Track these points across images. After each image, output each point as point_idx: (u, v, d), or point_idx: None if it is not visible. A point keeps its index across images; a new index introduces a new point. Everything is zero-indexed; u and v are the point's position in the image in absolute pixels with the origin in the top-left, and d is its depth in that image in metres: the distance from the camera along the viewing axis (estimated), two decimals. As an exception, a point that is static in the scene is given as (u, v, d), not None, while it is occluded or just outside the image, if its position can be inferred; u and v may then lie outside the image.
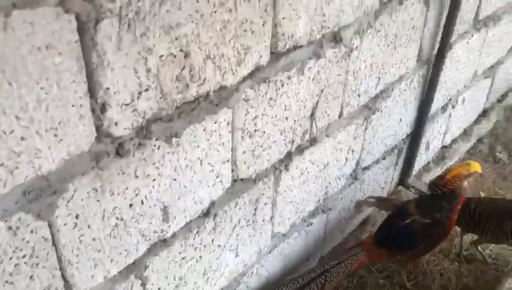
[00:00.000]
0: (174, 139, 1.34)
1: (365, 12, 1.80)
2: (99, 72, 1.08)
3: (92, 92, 1.09)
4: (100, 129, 1.15)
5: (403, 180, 2.81)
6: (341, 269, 2.14)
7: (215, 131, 1.46)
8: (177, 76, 1.26)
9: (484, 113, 3.44)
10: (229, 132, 1.51)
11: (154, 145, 1.30)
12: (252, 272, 2.00)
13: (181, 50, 1.23)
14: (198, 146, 1.43)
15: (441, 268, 2.54)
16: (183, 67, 1.26)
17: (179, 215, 1.49)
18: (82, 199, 1.18)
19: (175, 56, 1.23)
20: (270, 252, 2.03)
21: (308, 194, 2.05)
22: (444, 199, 2.17)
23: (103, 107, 1.13)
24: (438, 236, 2.24)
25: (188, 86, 1.30)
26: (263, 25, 1.42)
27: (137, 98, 1.19)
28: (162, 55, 1.19)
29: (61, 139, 1.07)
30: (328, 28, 1.67)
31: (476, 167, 2.11)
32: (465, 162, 2.18)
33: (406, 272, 2.48)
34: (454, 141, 3.20)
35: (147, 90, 1.20)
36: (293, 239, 2.13)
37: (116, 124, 1.18)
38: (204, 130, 1.42)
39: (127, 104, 1.18)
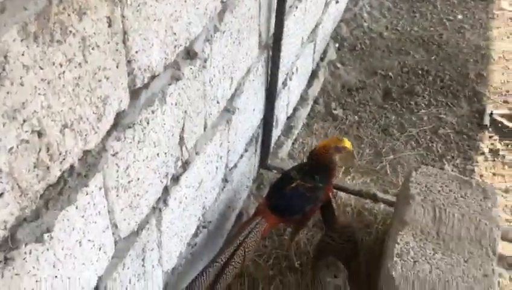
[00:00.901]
0: (46, 235, 1.07)
1: (210, 18, 1.64)
2: None
3: None
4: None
5: (263, 163, 2.79)
6: (254, 237, 2.13)
7: (88, 203, 1.21)
8: (34, 163, 0.98)
9: (313, 75, 3.56)
10: (103, 196, 1.27)
11: (25, 253, 1.02)
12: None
13: (33, 131, 0.96)
14: (73, 229, 1.17)
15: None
16: (40, 150, 0.99)
17: (68, 311, 1.23)
18: None
19: (28, 141, 0.95)
20: (163, 292, 1.85)
21: (188, 218, 1.89)
22: (318, 169, 2.22)
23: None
24: (320, 199, 2.32)
25: (48, 168, 1.03)
26: (117, 66, 1.19)
27: (-7, 210, 0.90)
28: (12, 147, 0.91)
29: None
30: (181, 45, 1.48)
31: (347, 143, 2.16)
32: (337, 136, 2.23)
33: (295, 253, 2.50)
34: (295, 110, 3.27)
35: (2, 195, 0.92)
36: (182, 267, 1.97)
37: (-28, 253, 0.88)
38: (77, 208, 1.16)
39: (-19, 224, 0.88)
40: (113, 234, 1.37)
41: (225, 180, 2.22)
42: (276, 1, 2.25)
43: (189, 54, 1.55)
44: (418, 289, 1.89)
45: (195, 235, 2.02)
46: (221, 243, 2.40)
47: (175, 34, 1.42)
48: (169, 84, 1.47)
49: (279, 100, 2.81)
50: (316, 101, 3.54)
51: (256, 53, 2.22)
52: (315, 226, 2.70)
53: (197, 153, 1.80)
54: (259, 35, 2.21)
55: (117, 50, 1.17)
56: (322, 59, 3.76)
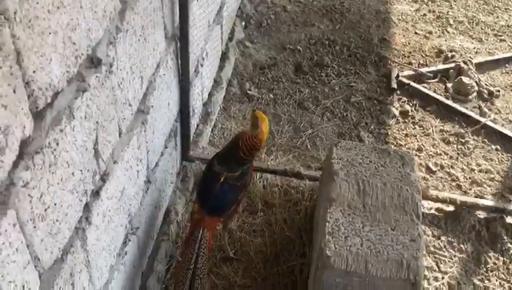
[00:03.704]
0: (-42, 291, 0.97)
1: (111, 19, 1.54)
2: None
3: None
4: None
5: (185, 155, 2.72)
6: (203, 257, 2.11)
7: (3, 244, 1.10)
8: None
9: (224, 57, 3.51)
10: (19, 232, 1.17)
11: None
12: None
13: None
14: (-10, 275, 1.07)
15: (251, 226, 2.62)
16: None
17: None
18: None
19: None
20: (99, 310, 1.77)
21: (115, 230, 1.80)
22: (237, 152, 2.19)
23: None
24: (248, 182, 2.33)
25: (-50, 218, 0.92)
26: (14, 91, 1.07)
27: None
28: None
29: None
30: (83, 54, 1.37)
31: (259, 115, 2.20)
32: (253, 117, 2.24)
33: (228, 242, 2.48)
34: (210, 95, 3.21)
35: None
36: (115, 279, 1.89)
37: None
38: (-10, 252, 1.06)
39: None
40: (35, 267, 1.27)
41: (148, 181, 2.14)
42: (177, -11, 2.16)
43: (93, 62, 1.44)
44: (351, 264, 1.94)
45: (125, 243, 1.94)
46: (151, 245, 2.33)
47: (74, 43, 1.31)
48: (76, 98, 1.37)
49: (194, 89, 2.74)
50: (230, 83, 3.50)
51: (163, 46, 2.13)
52: (245, 211, 2.69)
53: (115, 162, 1.71)
54: (165, 28, 2.12)
55: (12, 74, 1.05)
56: (230, 39, 3.70)
